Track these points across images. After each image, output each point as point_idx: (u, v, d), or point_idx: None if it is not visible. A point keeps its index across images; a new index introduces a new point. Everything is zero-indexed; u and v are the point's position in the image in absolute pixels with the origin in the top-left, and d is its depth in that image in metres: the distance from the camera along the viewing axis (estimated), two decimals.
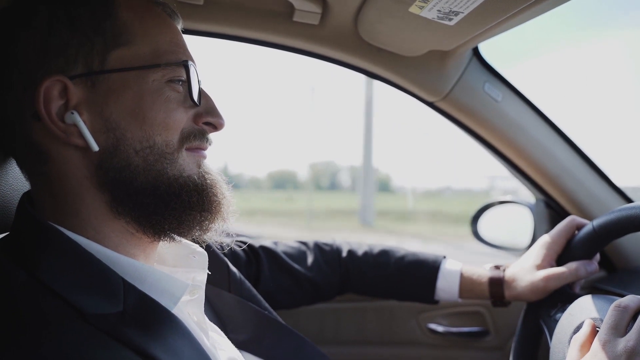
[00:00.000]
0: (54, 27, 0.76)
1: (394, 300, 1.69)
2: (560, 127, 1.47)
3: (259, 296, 1.07)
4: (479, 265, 1.32)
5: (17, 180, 0.95)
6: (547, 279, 1.16)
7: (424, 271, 1.32)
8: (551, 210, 1.57)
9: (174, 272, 0.90)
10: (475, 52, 1.38)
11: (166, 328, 0.75)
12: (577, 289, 1.21)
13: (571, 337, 0.96)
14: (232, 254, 1.23)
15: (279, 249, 1.32)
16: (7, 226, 0.84)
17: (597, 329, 0.89)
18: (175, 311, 0.79)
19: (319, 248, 1.36)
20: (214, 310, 1.00)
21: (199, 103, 0.84)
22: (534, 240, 1.58)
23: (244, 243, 1.27)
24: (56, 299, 0.71)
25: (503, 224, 1.74)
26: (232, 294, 1.03)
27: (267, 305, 1.07)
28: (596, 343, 0.84)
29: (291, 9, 1.21)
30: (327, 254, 1.35)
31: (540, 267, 1.19)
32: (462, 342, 1.70)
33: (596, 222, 1.11)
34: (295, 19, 1.23)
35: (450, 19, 1.02)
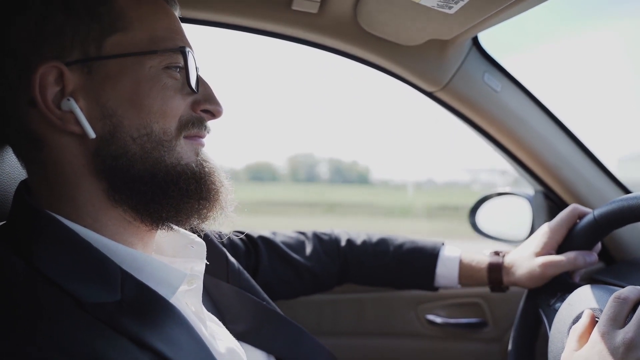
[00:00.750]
0: (49, 12, 0.75)
1: (392, 291, 1.69)
2: (559, 118, 1.47)
3: (258, 287, 1.07)
4: (477, 252, 1.32)
5: (14, 169, 0.94)
6: (545, 265, 1.16)
7: (423, 258, 1.32)
8: (550, 201, 1.56)
9: (172, 262, 0.89)
10: (475, 41, 1.37)
11: (164, 317, 0.75)
12: (576, 279, 1.21)
13: (570, 327, 0.96)
14: (230, 244, 1.22)
15: (278, 239, 1.32)
16: (4, 215, 0.83)
17: (597, 319, 0.89)
18: (173, 301, 0.78)
19: (317, 238, 1.36)
20: (212, 301, 1.00)
21: (197, 90, 0.83)
22: (532, 232, 1.58)
23: (243, 233, 1.27)
24: (53, 288, 0.70)
25: (501, 216, 1.74)
26: (230, 285, 1.03)
27: (265, 296, 1.06)
28: (595, 334, 0.83)
29: None
30: (325, 244, 1.35)
31: (539, 254, 1.19)
32: (461, 333, 1.70)
33: (597, 211, 1.11)
34: (294, 7, 1.22)
35: (450, 7, 1.01)
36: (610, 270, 1.46)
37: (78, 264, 0.73)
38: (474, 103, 1.40)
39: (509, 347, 1.24)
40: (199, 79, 0.84)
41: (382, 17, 1.17)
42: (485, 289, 1.31)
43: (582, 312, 0.93)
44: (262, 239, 1.30)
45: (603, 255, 1.50)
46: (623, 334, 0.80)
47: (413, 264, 1.32)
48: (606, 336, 0.82)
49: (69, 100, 0.75)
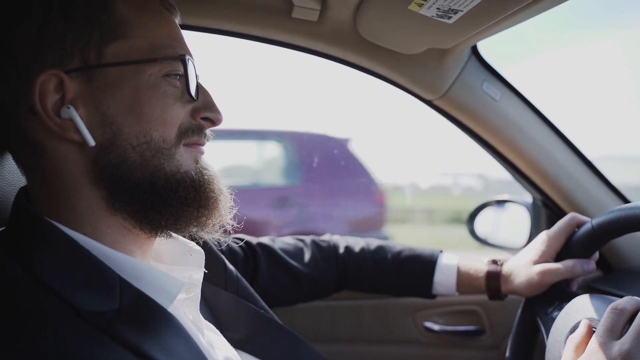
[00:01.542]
0: (49, 20, 0.75)
1: (390, 298, 1.69)
2: (558, 127, 1.47)
3: (256, 294, 1.07)
4: (476, 260, 1.32)
5: (13, 175, 0.95)
6: (543, 273, 1.17)
7: (421, 266, 1.32)
8: (548, 209, 1.57)
9: (170, 270, 0.89)
10: (474, 50, 1.38)
11: (162, 326, 0.75)
12: (574, 288, 1.21)
13: (567, 337, 0.96)
14: (229, 251, 1.22)
15: (276, 245, 1.32)
16: (4, 221, 0.83)
17: (594, 329, 0.89)
18: (171, 309, 0.78)
19: (316, 244, 1.36)
20: (210, 309, 1.00)
21: (197, 98, 0.83)
22: (530, 239, 1.58)
23: (242, 240, 1.27)
24: (51, 296, 0.70)
25: (500, 223, 1.75)
26: (228, 292, 1.03)
27: (263, 304, 1.06)
28: (592, 344, 0.83)
29: (290, 5, 1.20)
30: (324, 251, 1.35)
31: (537, 262, 1.20)
32: (458, 341, 1.70)
33: (595, 220, 1.11)
34: (294, 15, 1.22)
35: (449, 17, 1.01)
36: (608, 279, 1.46)
37: (77, 272, 0.73)
38: (473, 111, 1.40)
39: (506, 355, 1.24)
40: (198, 87, 0.84)
41: (381, 26, 1.18)
42: (483, 297, 1.31)
43: (580, 322, 0.93)
44: (261, 245, 1.30)
45: (601, 264, 1.50)
46: (620, 345, 0.80)
47: (411, 271, 1.32)
48: (603, 347, 0.82)
49: (68, 108, 0.75)
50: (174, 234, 0.85)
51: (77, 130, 0.76)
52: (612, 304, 0.86)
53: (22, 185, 0.85)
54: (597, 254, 1.20)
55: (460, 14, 1.00)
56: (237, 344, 0.96)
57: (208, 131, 0.86)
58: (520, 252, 1.26)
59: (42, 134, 0.76)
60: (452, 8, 0.97)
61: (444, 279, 1.31)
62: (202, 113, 0.83)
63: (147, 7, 0.81)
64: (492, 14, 1.00)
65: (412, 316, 1.71)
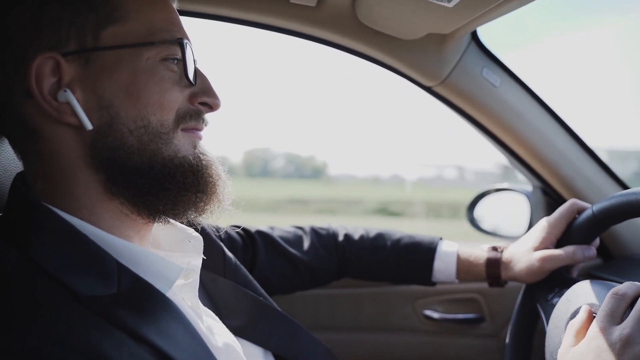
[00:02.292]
0: (46, 3, 0.74)
1: (390, 286, 1.69)
2: (558, 114, 1.46)
3: (255, 282, 1.06)
4: (476, 246, 1.32)
5: (10, 161, 0.94)
6: (543, 259, 1.16)
7: (420, 253, 1.32)
8: (548, 197, 1.56)
9: (169, 256, 0.89)
10: (474, 36, 1.37)
11: (160, 311, 0.74)
12: (574, 274, 1.21)
13: (567, 323, 0.96)
14: (228, 239, 1.22)
15: (275, 233, 1.31)
16: (0, 207, 0.83)
17: (594, 315, 0.89)
18: (169, 295, 0.78)
19: (315, 232, 1.35)
20: (209, 296, 0.99)
21: (195, 82, 0.82)
22: (530, 228, 1.58)
23: (240, 227, 1.27)
24: (49, 281, 0.70)
25: (499, 212, 1.74)
26: (227, 279, 1.02)
27: (262, 291, 1.06)
28: (592, 330, 0.83)
29: None
30: (323, 239, 1.35)
31: (538, 249, 1.19)
32: (458, 328, 1.70)
33: (596, 206, 1.11)
34: (292, 0, 1.21)
35: (449, 0, 1.00)
36: (608, 266, 1.46)
37: (74, 256, 0.73)
38: (472, 98, 1.39)
39: (507, 342, 1.24)
40: (196, 72, 0.83)
41: (380, 11, 1.17)
42: (483, 285, 1.31)
43: (580, 308, 0.93)
44: (260, 233, 1.29)
45: (601, 250, 1.50)
46: (620, 330, 0.80)
47: (411, 259, 1.32)
48: (603, 332, 0.81)
49: (65, 91, 0.75)
50: (172, 220, 0.85)
51: (74, 114, 0.75)
52: (613, 289, 0.85)
53: (18, 171, 0.84)
54: (597, 241, 1.19)
55: None
56: (236, 331, 0.96)
57: (206, 116, 0.85)
58: (521, 239, 1.25)
59: (38, 118, 0.76)
60: None
61: (443, 266, 1.31)
62: (200, 98, 0.83)
63: None
64: None
65: (412, 304, 1.71)
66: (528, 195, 1.63)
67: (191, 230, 0.92)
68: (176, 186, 0.79)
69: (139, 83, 0.77)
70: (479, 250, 1.30)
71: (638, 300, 0.82)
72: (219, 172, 0.84)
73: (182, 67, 0.80)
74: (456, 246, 1.32)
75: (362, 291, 1.71)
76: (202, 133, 0.85)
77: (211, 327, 0.88)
